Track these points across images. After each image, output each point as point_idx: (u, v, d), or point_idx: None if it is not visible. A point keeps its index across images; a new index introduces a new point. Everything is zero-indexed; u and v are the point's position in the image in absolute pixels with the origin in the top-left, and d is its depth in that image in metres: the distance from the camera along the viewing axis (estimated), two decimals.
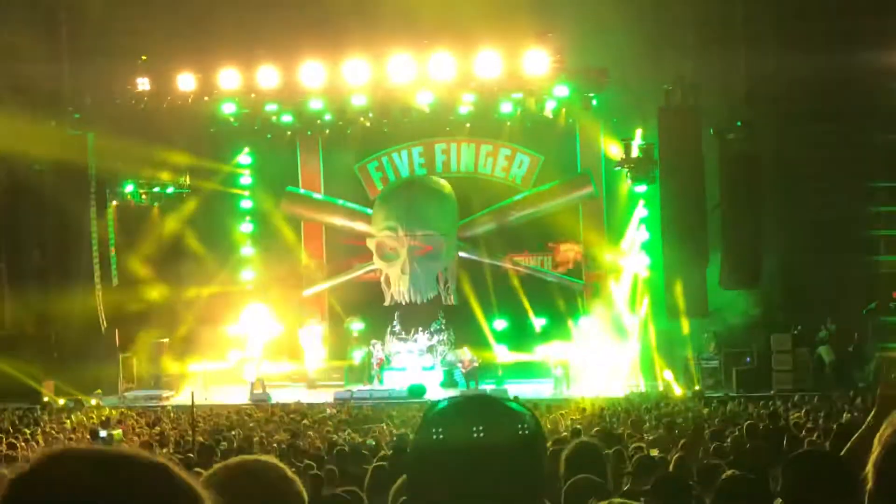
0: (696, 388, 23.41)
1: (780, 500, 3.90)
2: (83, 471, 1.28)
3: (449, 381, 25.40)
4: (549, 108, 25.82)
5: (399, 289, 26.51)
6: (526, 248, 27.42)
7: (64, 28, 24.75)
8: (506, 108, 25.74)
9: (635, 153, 24.96)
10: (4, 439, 12.87)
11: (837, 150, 23.82)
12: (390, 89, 25.16)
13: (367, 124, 26.56)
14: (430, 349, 26.01)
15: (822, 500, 3.47)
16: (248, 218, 28.29)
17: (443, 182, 27.03)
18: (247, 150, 28.04)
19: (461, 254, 27.02)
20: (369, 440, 13.30)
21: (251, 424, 16.65)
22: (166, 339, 26.14)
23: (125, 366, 25.48)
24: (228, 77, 25.30)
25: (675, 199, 24.23)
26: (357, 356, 26.23)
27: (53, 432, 15.02)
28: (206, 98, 25.59)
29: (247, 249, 28.22)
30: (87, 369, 23.68)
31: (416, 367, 25.59)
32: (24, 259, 24.79)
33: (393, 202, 26.65)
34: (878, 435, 1.88)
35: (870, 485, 1.85)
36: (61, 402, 22.83)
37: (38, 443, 13.01)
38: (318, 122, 26.70)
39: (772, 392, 22.05)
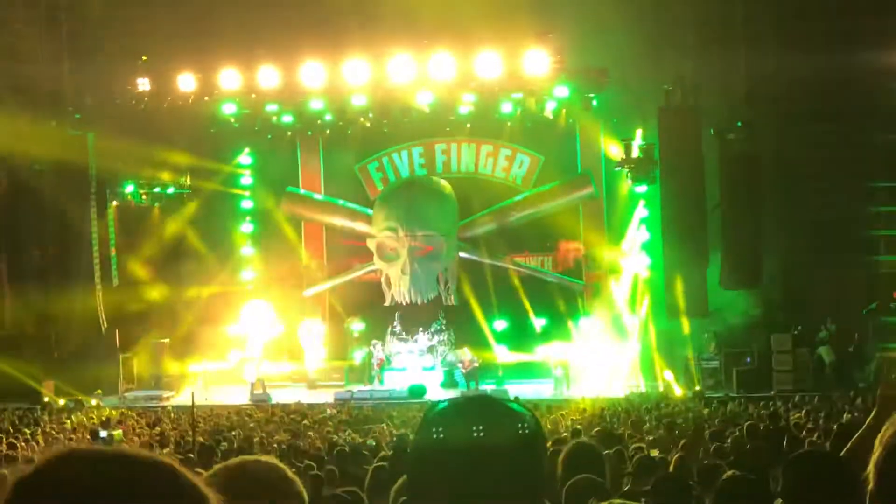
0: (697, 388, 23.41)
1: (780, 500, 3.90)
2: (89, 471, 1.28)
3: (449, 382, 25.40)
4: (549, 108, 25.83)
5: (399, 289, 26.50)
6: (526, 249, 27.43)
7: (64, 28, 24.74)
8: (506, 108, 25.75)
9: (635, 153, 24.97)
10: (4, 439, 12.85)
11: (837, 150, 23.83)
12: (390, 89, 25.17)
13: (368, 124, 26.58)
14: (431, 349, 26.00)
15: (823, 500, 3.47)
16: (248, 218, 28.30)
17: (443, 182, 27.02)
18: (247, 150, 28.04)
19: (461, 254, 27.01)
20: (370, 440, 13.29)
21: (251, 425, 16.64)
22: (166, 340, 26.13)
23: (125, 366, 25.48)
24: (229, 77, 25.32)
25: (676, 199, 24.25)
26: (357, 356, 26.26)
27: (53, 433, 15.01)
28: (206, 98, 25.62)
29: (247, 250, 28.22)
30: (88, 369, 23.69)
31: (417, 368, 25.59)
32: (24, 259, 24.78)
33: (393, 202, 26.64)
34: (879, 435, 1.88)
35: (871, 485, 1.85)
36: (61, 402, 22.82)
37: (38, 443, 13.00)
38: (319, 122, 26.73)
39: (772, 392, 22.04)
